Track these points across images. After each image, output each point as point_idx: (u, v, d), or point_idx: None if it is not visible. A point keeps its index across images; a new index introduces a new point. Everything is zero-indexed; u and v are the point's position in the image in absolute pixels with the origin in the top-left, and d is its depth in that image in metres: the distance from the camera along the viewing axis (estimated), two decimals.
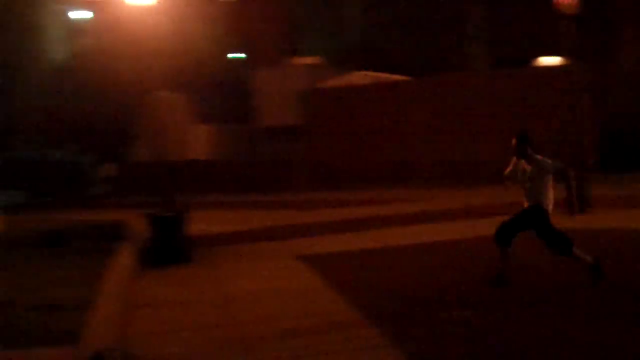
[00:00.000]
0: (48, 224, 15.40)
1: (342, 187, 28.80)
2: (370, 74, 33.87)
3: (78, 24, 36.08)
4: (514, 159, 8.84)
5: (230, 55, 44.12)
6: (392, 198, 23.68)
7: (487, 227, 11.22)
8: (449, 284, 9.21)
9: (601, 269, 8.61)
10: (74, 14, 36.69)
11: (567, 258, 8.75)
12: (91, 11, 34.27)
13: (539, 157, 8.70)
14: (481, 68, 41.37)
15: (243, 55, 45.14)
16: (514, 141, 8.76)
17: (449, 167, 28.30)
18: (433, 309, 7.91)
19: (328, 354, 6.46)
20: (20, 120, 42.27)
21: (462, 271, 10.17)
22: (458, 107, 28.63)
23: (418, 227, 16.01)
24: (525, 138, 8.73)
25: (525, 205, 8.74)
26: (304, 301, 8.53)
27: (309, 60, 37.67)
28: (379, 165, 29.47)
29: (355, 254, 12.38)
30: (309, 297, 8.78)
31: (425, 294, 8.72)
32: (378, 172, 29.17)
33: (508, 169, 8.92)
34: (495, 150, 26.43)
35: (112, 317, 7.51)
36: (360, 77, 33.53)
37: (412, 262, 11.26)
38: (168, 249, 12.49)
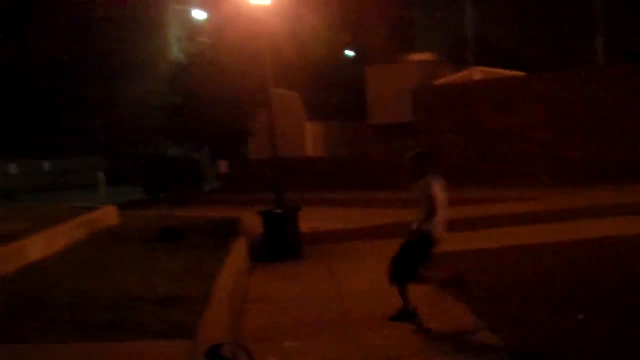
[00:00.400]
0: (165, 220, 15.70)
1: (456, 185, 28.07)
2: (486, 69, 33.03)
3: (196, 23, 36.93)
4: None
5: (343, 52, 44.10)
6: (511, 196, 22.94)
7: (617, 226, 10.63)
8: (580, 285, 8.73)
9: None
10: (192, 13, 37.59)
11: None
12: (208, 10, 34.97)
13: None
14: (602, 61, 39.63)
15: (355, 52, 45.03)
16: None
17: (568, 166, 27.19)
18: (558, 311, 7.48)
19: (447, 354, 6.21)
20: (139, 119, 43.76)
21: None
22: (582, 102, 27.41)
23: (536, 226, 15.39)
24: None
25: None
26: (422, 303, 8.23)
27: (422, 56, 37.12)
28: (494, 164, 28.66)
29: (480, 253, 11.96)
30: (428, 299, 8.44)
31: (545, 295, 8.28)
32: (494, 170, 28.38)
33: None
34: (622, 149, 25.31)
35: (227, 312, 7.51)
36: (476, 73, 32.76)
37: (532, 263, 10.78)
38: (280, 245, 12.51)
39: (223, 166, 33.40)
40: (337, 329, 7.42)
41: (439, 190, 7.62)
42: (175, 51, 40.97)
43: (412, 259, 7.49)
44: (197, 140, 35.53)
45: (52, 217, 14.18)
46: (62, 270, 10.02)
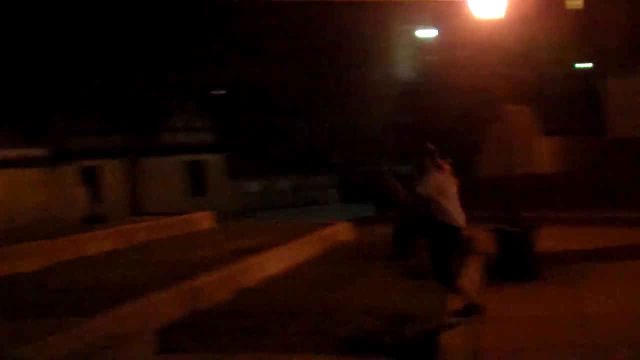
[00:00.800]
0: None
1: None
2: None
3: (424, 42, 37.10)
4: None
5: (576, 65, 42.14)
6: None
7: None
8: None
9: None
10: (420, 32, 37.81)
11: None
12: (437, 28, 35.02)
13: None
14: None
15: (590, 64, 42.85)
16: None
17: None
18: None
19: None
20: (369, 138, 44.69)
21: None
22: None
23: None
24: None
25: None
26: None
27: None
28: None
29: None
30: None
31: None
32: None
33: None
34: None
35: (465, 331, 7.38)
36: None
37: None
38: (515, 265, 12.11)
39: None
40: (586, 352, 7.01)
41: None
42: (403, 70, 41.41)
43: None
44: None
45: (291, 232, 14.81)
46: (300, 283, 10.39)
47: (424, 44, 36.94)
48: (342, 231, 15.69)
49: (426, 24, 36.98)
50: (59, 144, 31.76)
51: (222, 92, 35.81)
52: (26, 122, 31.18)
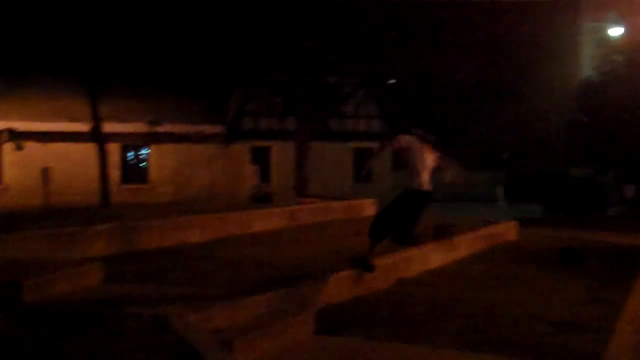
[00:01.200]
0: (564, 241, 15.19)
1: None
2: None
3: (611, 41, 35.33)
4: None
5: None
6: None
7: None
8: None
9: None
10: (608, 31, 36.04)
11: None
12: (625, 26, 33.21)
13: None
14: None
15: None
16: None
17: None
18: None
19: None
20: (541, 136, 43.20)
21: None
22: None
23: None
24: None
25: None
26: None
27: None
28: None
29: None
30: None
31: None
32: None
33: None
34: None
35: (634, 343, 6.98)
36: None
37: None
38: None
39: (629, 191, 31.40)
40: None
41: None
42: (586, 69, 39.65)
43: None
44: (602, 161, 33.90)
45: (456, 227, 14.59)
46: (461, 280, 10.21)
47: (612, 42, 35.15)
48: (507, 230, 15.27)
49: (614, 22, 35.20)
50: (232, 122, 33.04)
51: (393, 81, 35.73)
52: (204, 100, 32.68)
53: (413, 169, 8.82)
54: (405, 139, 8.90)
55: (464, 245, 12.44)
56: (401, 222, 8.92)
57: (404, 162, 8.94)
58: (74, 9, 22.18)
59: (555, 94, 40.88)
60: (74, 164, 29.68)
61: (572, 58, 40.53)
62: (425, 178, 8.87)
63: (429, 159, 8.93)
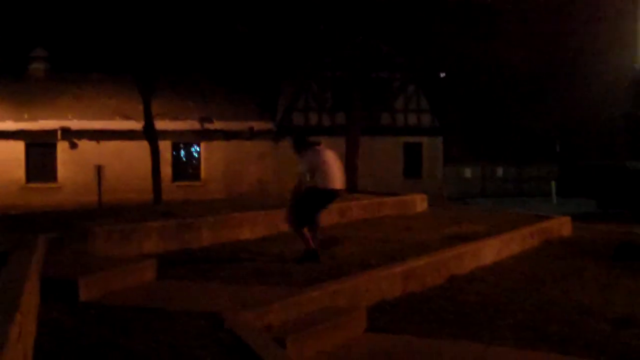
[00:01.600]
0: (621, 237, 14.88)
1: None
2: None
3: None
4: None
5: None
6: None
7: None
8: None
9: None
10: None
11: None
12: None
13: None
14: None
15: None
16: None
17: None
18: None
19: None
20: (597, 129, 42.41)
21: None
22: None
23: None
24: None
25: None
26: None
27: None
28: None
29: None
30: None
31: None
32: None
33: None
34: None
35: None
36: None
37: None
38: None
39: None
40: None
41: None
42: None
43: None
44: None
45: (506, 222, 14.43)
46: (514, 276, 10.08)
47: None
48: (560, 226, 15.01)
49: None
50: (282, 119, 33.15)
51: (443, 74, 35.46)
52: (255, 97, 32.85)
53: (325, 175, 9.49)
54: (307, 160, 9.55)
55: (517, 241, 12.28)
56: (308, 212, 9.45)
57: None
58: (127, 8, 22.51)
59: (611, 85, 40.10)
60: (127, 162, 30.15)
61: (630, 50, 39.65)
62: (337, 176, 9.62)
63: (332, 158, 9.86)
